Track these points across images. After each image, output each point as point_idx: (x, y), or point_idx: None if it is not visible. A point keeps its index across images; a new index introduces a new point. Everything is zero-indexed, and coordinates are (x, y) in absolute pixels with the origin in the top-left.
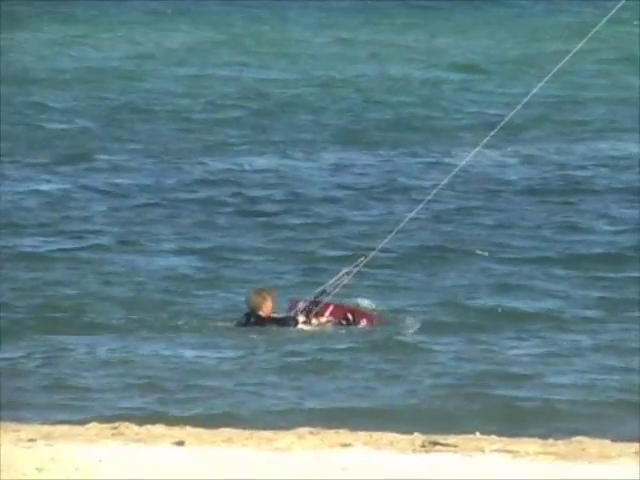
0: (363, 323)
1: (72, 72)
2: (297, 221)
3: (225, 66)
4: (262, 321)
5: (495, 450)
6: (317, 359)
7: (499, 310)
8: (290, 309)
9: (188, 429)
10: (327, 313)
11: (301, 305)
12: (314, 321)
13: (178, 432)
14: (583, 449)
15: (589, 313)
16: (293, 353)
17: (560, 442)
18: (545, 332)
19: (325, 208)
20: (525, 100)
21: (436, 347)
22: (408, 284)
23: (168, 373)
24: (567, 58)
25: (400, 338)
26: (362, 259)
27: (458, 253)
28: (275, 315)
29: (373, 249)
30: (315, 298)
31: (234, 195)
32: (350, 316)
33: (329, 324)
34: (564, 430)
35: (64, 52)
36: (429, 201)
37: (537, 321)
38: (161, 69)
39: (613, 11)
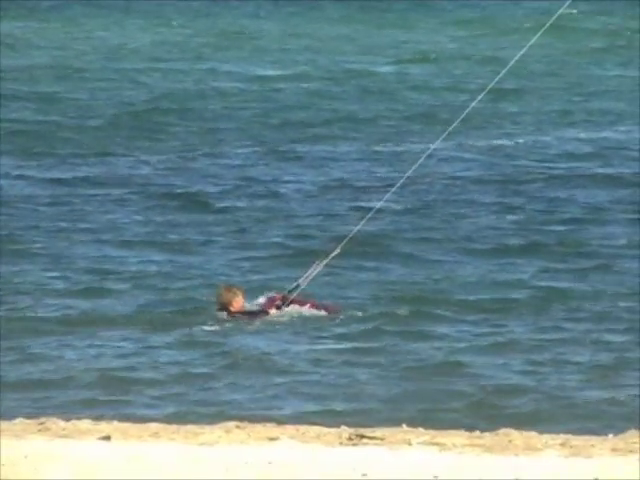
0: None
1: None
2: (257, 214)
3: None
4: (233, 316)
5: (422, 443)
6: (252, 354)
7: (442, 301)
8: (265, 304)
9: (115, 424)
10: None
11: (270, 299)
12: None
13: (105, 427)
14: (509, 441)
15: (536, 302)
16: (230, 348)
17: (486, 434)
18: (489, 322)
19: (284, 202)
20: (480, 96)
21: (372, 341)
22: (355, 277)
23: (95, 369)
24: (522, 52)
25: (335, 330)
26: (336, 252)
27: (415, 245)
28: (247, 309)
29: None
30: (288, 292)
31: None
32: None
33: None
34: (491, 422)
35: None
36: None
37: (481, 311)
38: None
39: (564, 6)
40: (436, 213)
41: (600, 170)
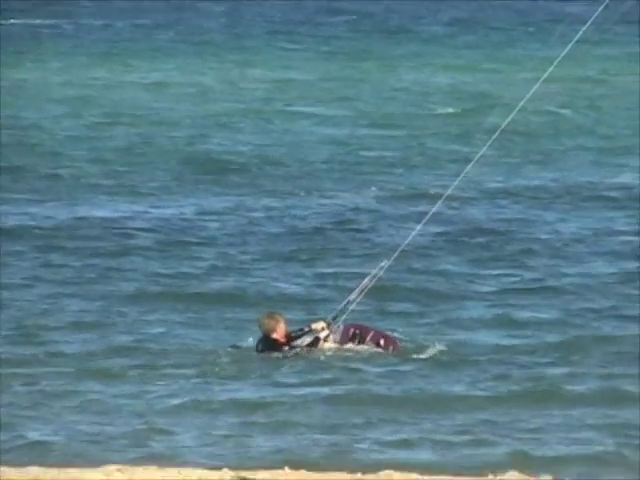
0: (389, 349)
1: None
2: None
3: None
4: (278, 345)
5: None
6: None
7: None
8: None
9: None
10: (368, 338)
11: (346, 330)
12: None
13: None
14: None
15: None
16: (99, 387)
17: (369, 476)
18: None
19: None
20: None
21: (251, 380)
22: None
23: None
24: (537, 85)
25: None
26: (387, 263)
27: None
28: (295, 334)
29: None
30: (334, 317)
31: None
32: (382, 342)
33: (349, 347)
34: (373, 464)
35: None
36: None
37: None
38: None
39: (577, 37)
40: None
41: None
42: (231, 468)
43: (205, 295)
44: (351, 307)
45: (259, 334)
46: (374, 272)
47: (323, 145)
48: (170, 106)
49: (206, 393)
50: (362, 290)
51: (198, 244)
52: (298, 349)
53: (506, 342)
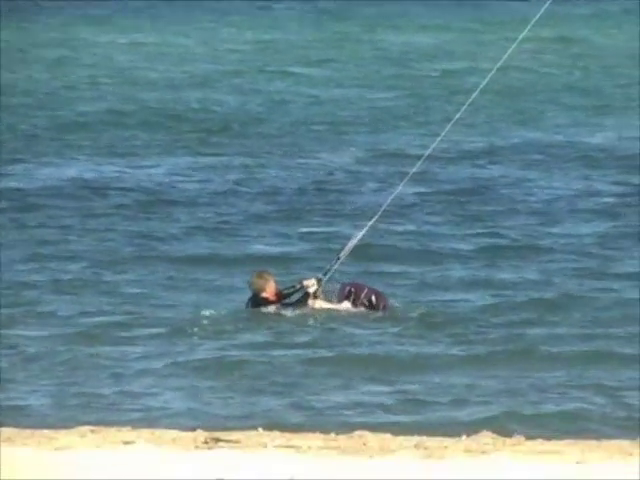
0: (380, 306)
1: None
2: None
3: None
4: (268, 303)
5: (277, 446)
6: (110, 354)
7: None
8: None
9: None
10: (362, 295)
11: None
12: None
13: None
14: (364, 443)
15: None
16: (76, 349)
17: (342, 437)
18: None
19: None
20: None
21: (230, 341)
22: None
23: None
24: (510, 50)
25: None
26: (373, 220)
27: None
28: (286, 291)
29: None
30: (325, 273)
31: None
32: (374, 298)
33: (339, 306)
34: (346, 425)
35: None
36: None
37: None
38: None
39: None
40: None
41: None
42: (205, 429)
43: (184, 256)
44: (335, 266)
45: (248, 293)
46: (362, 232)
47: (303, 105)
48: (148, 66)
49: (184, 354)
50: (350, 248)
51: (177, 204)
52: (289, 308)
53: (486, 302)
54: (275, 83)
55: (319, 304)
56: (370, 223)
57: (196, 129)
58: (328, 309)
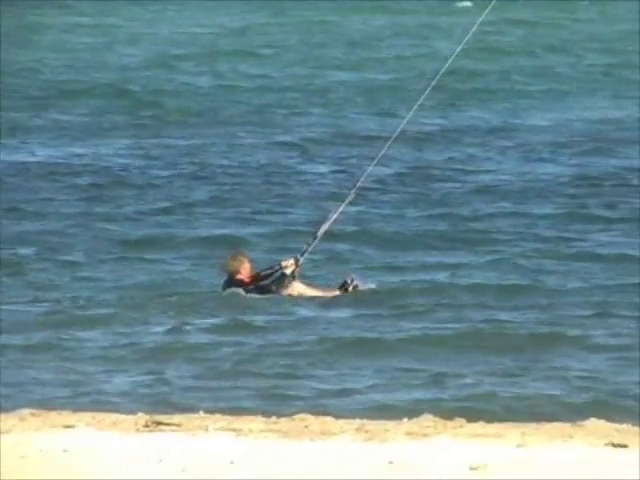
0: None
1: None
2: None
3: None
4: (244, 285)
5: (218, 429)
6: (58, 338)
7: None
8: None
9: None
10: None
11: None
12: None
13: None
14: (306, 426)
15: None
16: (31, 331)
17: (283, 420)
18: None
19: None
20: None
21: (178, 324)
22: None
23: None
24: (473, 29)
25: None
26: (351, 196)
27: None
28: (264, 273)
29: None
30: (303, 253)
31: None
32: (349, 280)
33: (314, 288)
34: (289, 408)
35: None
36: None
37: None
38: None
39: None
40: None
41: None
42: (147, 412)
43: (135, 238)
44: (312, 246)
45: (223, 276)
46: (337, 212)
47: (258, 88)
48: (104, 48)
49: (130, 337)
50: (325, 230)
51: (128, 186)
52: (264, 290)
53: (438, 284)
54: (231, 66)
55: (296, 285)
56: (344, 204)
57: (149, 112)
58: (303, 291)
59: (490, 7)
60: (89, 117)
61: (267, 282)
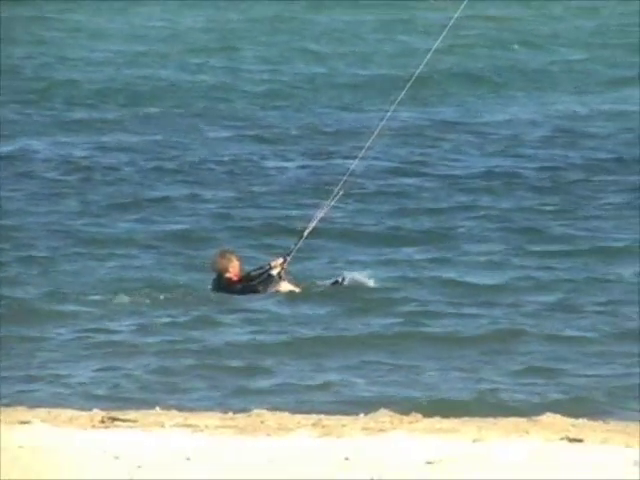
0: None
1: None
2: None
3: None
4: (233, 283)
5: (175, 425)
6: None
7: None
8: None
9: None
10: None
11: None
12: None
13: None
14: (262, 422)
15: None
16: None
17: (239, 415)
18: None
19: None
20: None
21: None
22: None
23: None
24: (451, 22)
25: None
26: (340, 194)
27: None
28: (254, 273)
29: None
30: (288, 254)
31: None
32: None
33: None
34: (245, 404)
35: None
36: None
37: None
38: None
39: None
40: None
41: None
42: (102, 408)
43: (100, 234)
44: (299, 245)
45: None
46: (323, 211)
47: (248, 82)
48: (73, 43)
49: (91, 333)
50: (312, 227)
51: (94, 182)
52: (252, 289)
53: (411, 280)
54: (206, 61)
55: (284, 285)
56: (331, 203)
57: (114, 106)
58: (289, 289)
59: (462, 6)
60: (52, 112)
61: (254, 283)
